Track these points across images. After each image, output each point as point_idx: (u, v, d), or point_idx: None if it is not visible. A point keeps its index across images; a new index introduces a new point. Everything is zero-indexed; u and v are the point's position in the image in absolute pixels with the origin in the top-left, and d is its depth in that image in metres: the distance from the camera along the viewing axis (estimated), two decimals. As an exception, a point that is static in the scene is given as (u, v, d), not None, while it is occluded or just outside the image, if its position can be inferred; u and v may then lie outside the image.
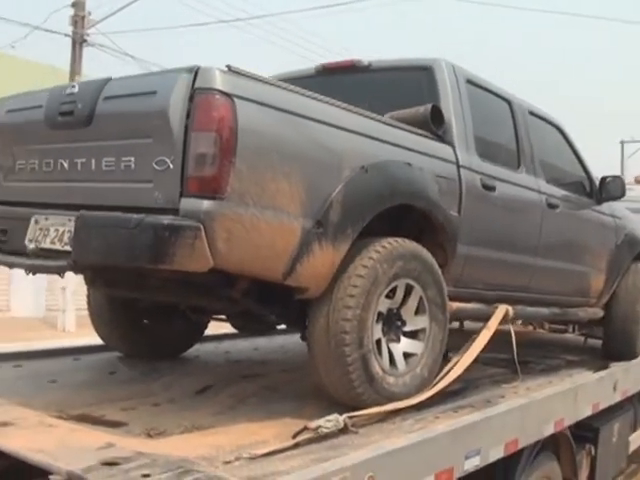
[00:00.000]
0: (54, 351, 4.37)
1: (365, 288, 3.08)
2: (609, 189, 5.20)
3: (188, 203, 2.60)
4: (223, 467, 2.36)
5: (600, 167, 5.63)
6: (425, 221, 3.62)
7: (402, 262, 3.25)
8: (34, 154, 3.23)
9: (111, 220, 2.66)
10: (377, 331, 3.21)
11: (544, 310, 4.80)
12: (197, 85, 2.64)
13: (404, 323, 3.40)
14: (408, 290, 3.36)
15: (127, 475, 2.21)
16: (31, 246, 3.04)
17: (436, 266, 3.49)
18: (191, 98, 2.63)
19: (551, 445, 4.13)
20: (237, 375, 4.02)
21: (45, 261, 2.99)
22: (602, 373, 4.83)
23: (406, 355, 3.39)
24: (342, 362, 3.05)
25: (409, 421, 3.10)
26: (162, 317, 4.24)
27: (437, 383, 3.45)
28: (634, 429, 5.66)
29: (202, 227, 2.56)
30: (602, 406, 4.62)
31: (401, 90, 4.23)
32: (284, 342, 5.27)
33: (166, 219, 2.54)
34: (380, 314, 3.23)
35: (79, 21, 14.88)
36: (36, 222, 3.09)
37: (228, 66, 2.75)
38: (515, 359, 4.13)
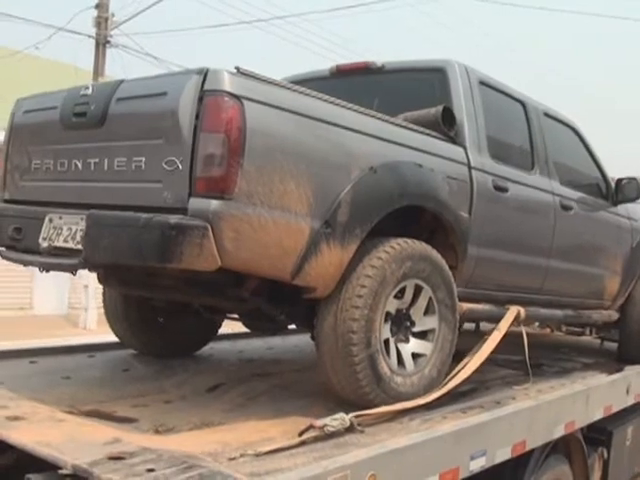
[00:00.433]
0: (69, 348, 4.43)
1: (373, 288, 3.09)
2: (625, 191, 5.17)
3: (196, 203, 2.64)
4: (227, 463, 2.39)
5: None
6: (436, 222, 3.64)
7: (411, 263, 3.27)
8: (49, 154, 3.29)
9: (120, 219, 2.71)
10: (385, 331, 3.23)
11: (558, 312, 4.78)
12: (206, 87, 2.68)
13: (413, 323, 3.41)
14: (417, 291, 3.38)
15: (132, 469, 2.24)
16: (44, 244, 3.10)
17: (446, 267, 3.50)
18: (200, 99, 2.68)
19: (562, 447, 4.11)
20: (249, 374, 4.05)
21: (57, 259, 3.04)
22: (615, 376, 4.80)
23: (415, 355, 3.40)
24: (349, 362, 3.07)
25: (416, 421, 3.11)
26: (176, 315, 4.28)
27: (446, 384, 3.46)
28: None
29: (210, 227, 2.60)
30: (615, 409, 4.58)
31: (414, 91, 4.25)
32: (298, 341, 5.29)
33: (173, 218, 2.58)
34: (388, 314, 3.24)
35: (102, 22, 15.05)
36: (50, 221, 3.15)
37: (237, 68, 2.79)
38: (527, 361, 4.12)
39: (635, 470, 5.44)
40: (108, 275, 3.57)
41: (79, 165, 3.12)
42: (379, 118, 3.39)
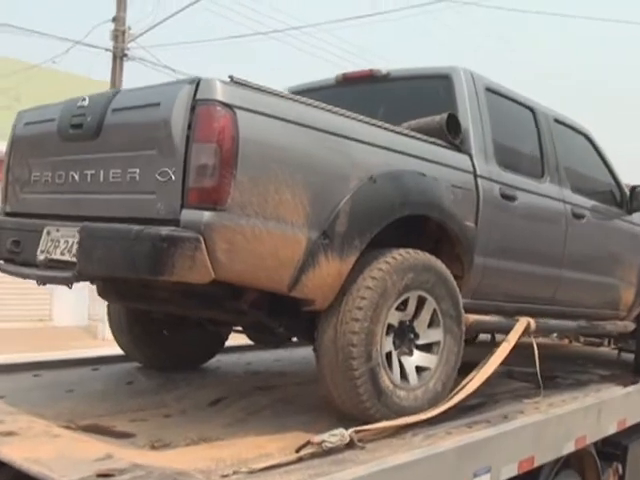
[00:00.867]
0: (74, 361, 4.40)
1: (374, 300, 3.03)
2: None
3: (188, 214, 2.60)
4: (218, 481, 2.34)
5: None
6: (441, 231, 3.56)
7: (413, 274, 3.19)
8: (48, 166, 3.28)
9: (113, 231, 2.68)
10: (387, 344, 3.16)
11: (570, 323, 4.67)
12: (198, 96, 2.64)
13: (417, 336, 3.34)
14: (421, 302, 3.30)
15: (119, 487, 2.21)
16: (41, 257, 3.07)
17: (450, 277, 3.42)
18: (192, 109, 2.64)
19: (575, 463, 4.00)
20: (253, 387, 4.00)
21: (53, 272, 3.02)
22: (630, 388, 4.67)
23: (419, 369, 3.32)
24: (349, 375, 3.00)
25: (419, 437, 3.03)
26: (181, 328, 4.24)
27: (452, 397, 3.38)
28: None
29: (202, 238, 2.55)
30: (629, 423, 4.45)
31: (420, 99, 4.19)
32: (306, 354, 5.22)
33: (165, 230, 2.54)
34: (391, 326, 3.17)
35: (120, 36, 15.15)
36: (48, 233, 3.12)
37: (230, 77, 2.75)
38: (538, 373, 4.02)
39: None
40: (106, 288, 3.54)
41: (76, 177, 3.09)
42: (379, 126, 3.33)
